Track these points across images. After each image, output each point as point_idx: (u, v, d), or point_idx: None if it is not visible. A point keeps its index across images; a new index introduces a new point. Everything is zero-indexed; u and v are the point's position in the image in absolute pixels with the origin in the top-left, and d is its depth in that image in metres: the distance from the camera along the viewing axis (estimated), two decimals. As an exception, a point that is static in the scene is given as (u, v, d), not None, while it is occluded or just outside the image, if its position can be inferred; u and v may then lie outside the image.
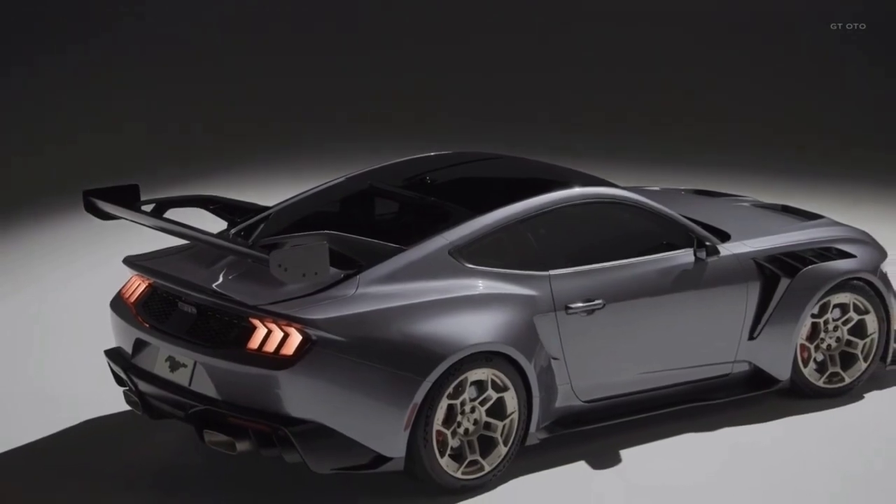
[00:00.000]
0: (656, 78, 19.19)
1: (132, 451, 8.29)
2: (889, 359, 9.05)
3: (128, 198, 8.10)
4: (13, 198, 13.50)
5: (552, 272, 7.96)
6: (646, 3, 21.79)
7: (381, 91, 18.18)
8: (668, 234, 8.41)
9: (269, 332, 7.33)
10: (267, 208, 8.51)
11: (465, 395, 7.61)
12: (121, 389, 8.23)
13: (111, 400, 8.68)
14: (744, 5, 21.77)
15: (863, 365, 8.94)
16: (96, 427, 8.55)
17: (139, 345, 7.86)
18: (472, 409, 7.67)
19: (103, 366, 8.67)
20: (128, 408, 8.50)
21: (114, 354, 8.09)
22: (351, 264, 7.60)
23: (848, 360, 8.94)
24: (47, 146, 15.53)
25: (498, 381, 7.70)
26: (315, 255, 7.21)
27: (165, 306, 7.81)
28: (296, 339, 7.28)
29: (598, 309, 8.03)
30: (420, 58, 19.81)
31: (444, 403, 7.52)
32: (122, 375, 7.92)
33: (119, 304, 8.08)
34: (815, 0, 21.36)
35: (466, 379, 7.58)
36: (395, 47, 20.18)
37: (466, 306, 7.63)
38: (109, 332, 8.53)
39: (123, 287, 8.13)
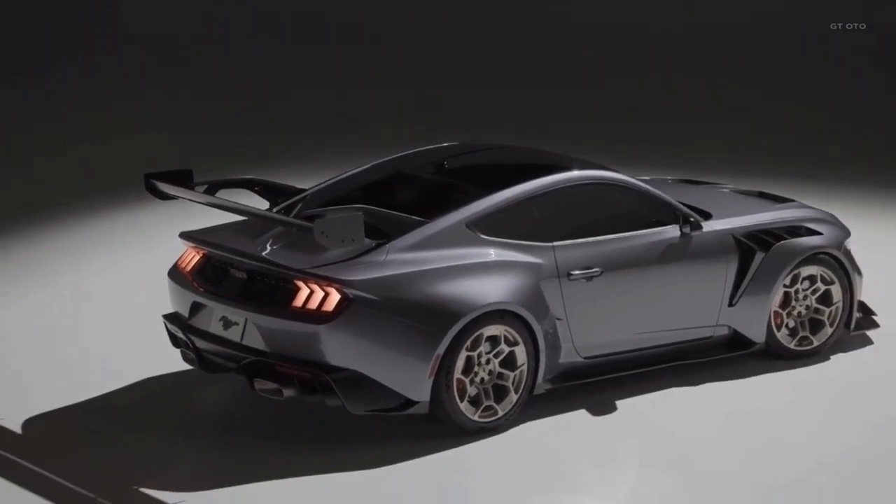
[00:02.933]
0: (656, 80, 20.07)
1: (185, 404, 9.35)
2: (852, 325, 10.17)
3: (183, 180, 9.22)
4: (66, 194, 14.72)
5: (556, 243, 9.06)
6: (643, 13, 22.53)
7: (390, 98, 19.31)
8: (656, 212, 9.49)
9: (312, 292, 8.41)
10: (304, 190, 9.63)
11: (482, 349, 8.68)
12: (175, 351, 9.35)
13: (165, 361, 9.73)
14: (743, 6, 22.35)
15: (829, 330, 10.03)
16: (152, 385, 9.59)
17: (195, 307, 8.94)
18: (488, 361, 8.74)
19: (155, 334, 9.80)
20: (180, 368, 9.62)
21: (171, 318, 9.17)
22: (381, 235, 8.70)
23: (816, 325, 10.03)
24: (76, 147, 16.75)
25: (510, 337, 8.78)
26: (352, 224, 8.29)
27: (218, 273, 8.90)
28: (335, 297, 8.36)
29: (596, 276, 9.13)
30: (424, 69, 20.92)
31: (463, 355, 8.59)
32: (181, 335, 9.00)
33: (176, 273, 9.16)
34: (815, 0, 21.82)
35: (482, 334, 8.65)
36: (400, 59, 21.30)
37: (481, 271, 8.72)
38: (156, 307, 9.69)
39: (179, 259, 9.21)
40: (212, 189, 9.32)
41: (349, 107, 18.93)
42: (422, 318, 8.47)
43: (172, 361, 9.65)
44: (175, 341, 9.24)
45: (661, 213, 9.53)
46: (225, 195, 9.07)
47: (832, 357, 10.07)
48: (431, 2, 23.10)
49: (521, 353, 8.83)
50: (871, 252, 11.37)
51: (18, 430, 8.84)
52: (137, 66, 21.30)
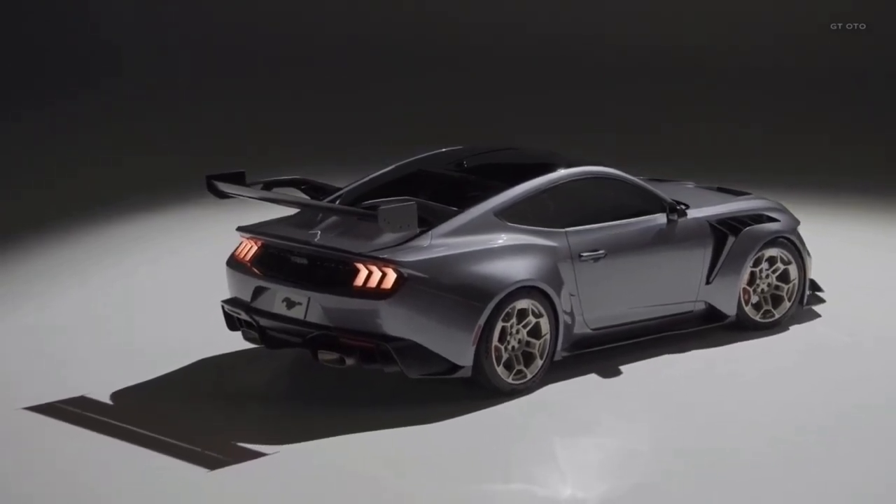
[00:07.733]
0: (655, 82, 21.18)
1: (238, 380, 10.51)
2: (805, 301, 11.72)
3: (238, 180, 10.40)
4: (105, 199, 16.01)
5: (568, 229, 10.42)
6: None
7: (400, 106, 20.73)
8: (647, 202, 10.93)
9: (370, 272, 9.64)
10: (341, 189, 10.86)
11: (513, 320, 10.02)
12: (221, 335, 10.50)
13: (219, 343, 10.86)
14: (743, 6, 22.88)
15: (787, 304, 11.54)
16: (209, 364, 10.69)
17: (258, 291, 10.08)
18: (517, 331, 10.06)
19: (207, 321, 10.93)
20: (232, 350, 10.76)
21: (231, 302, 10.30)
22: (423, 223, 9.96)
23: (777, 300, 11.54)
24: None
25: (535, 310, 10.10)
26: (408, 212, 9.58)
27: (278, 260, 10.06)
28: (392, 276, 9.59)
29: (602, 257, 10.52)
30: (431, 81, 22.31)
31: (499, 325, 9.89)
32: (244, 316, 10.12)
33: (235, 262, 10.30)
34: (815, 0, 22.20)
35: (514, 307, 9.99)
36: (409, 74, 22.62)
37: (511, 253, 10.03)
38: (199, 296, 10.79)
39: (236, 250, 10.34)
40: (266, 187, 10.51)
41: (348, 118, 20.19)
42: (466, 294, 9.75)
43: (216, 345, 10.83)
44: (232, 324, 10.38)
45: (651, 203, 10.95)
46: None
47: (790, 328, 11.56)
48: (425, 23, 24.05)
49: (544, 324, 10.16)
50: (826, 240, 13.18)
51: (108, 400, 9.91)
52: (140, 87, 22.53)
